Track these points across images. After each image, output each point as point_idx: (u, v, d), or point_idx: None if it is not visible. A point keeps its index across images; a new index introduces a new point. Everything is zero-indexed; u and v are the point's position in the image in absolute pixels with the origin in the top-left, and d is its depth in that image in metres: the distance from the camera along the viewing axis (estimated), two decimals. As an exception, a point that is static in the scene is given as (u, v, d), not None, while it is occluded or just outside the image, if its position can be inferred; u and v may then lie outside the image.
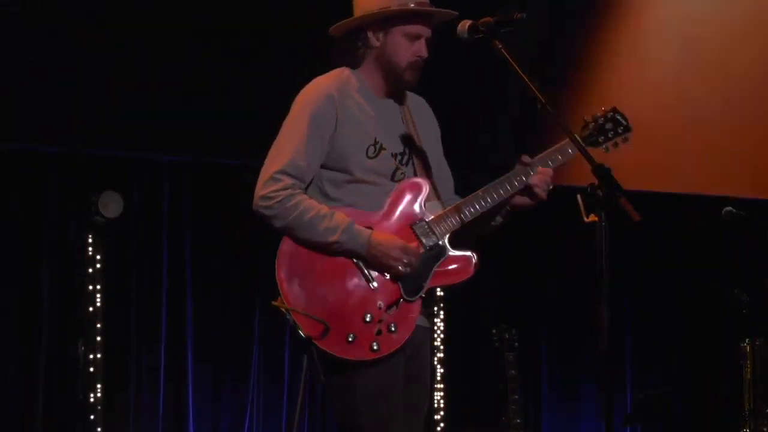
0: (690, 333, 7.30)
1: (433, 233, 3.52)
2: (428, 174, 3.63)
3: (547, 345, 7.24)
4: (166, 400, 6.32)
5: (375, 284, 3.46)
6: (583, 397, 7.16)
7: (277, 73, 6.02)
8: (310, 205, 3.44)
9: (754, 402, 5.47)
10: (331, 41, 3.66)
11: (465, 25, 3.45)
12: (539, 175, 3.56)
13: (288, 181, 3.45)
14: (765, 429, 5.44)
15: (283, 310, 3.42)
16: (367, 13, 3.55)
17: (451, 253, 3.54)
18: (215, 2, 6.11)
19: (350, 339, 3.41)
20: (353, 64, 3.61)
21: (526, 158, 3.58)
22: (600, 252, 3.10)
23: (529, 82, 3.29)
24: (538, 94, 3.28)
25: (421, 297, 3.51)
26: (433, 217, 3.54)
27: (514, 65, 3.32)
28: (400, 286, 3.47)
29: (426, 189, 3.56)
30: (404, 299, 3.47)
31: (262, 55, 6.14)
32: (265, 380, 6.53)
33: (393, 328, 3.45)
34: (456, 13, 3.55)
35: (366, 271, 3.46)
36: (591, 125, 3.67)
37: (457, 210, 3.54)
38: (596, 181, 3.13)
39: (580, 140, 3.43)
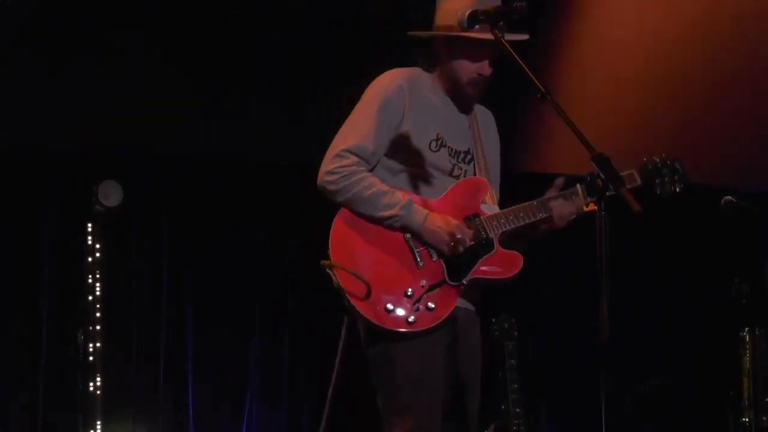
0: (690, 323, 7.30)
1: (485, 228, 3.62)
2: (488, 179, 3.74)
3: (547, 335, 7.24)
4: (166, 390, 6.33)
5: (421, 263, 3.55)
6: (583, 387, 7.16)
7: (277, 73, 6.02)
8: (373, 182, 3.56)
9: (754, 392, 5.48)
10: (410, 42, 3.77)
11: (465, 13, 3.47)
12: (556, 212, 3.66)
13: (354, 158, 3.56)
14: (764, 418, 5.45)
15: (329, 267, 3.48)
16: (436, 28, 3.67)
17: (499, 250, 3.64)
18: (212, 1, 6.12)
19: (389, 307, 3.49)
20: (426, 68, 3.75)
21: (558, 182, 3.69)
22: (599, 242, 3.10)
23: (529, 73, 3.27)
24: (539, 85, 3.25)
25: (463, 283, 3.59)
26: (486, 215, 3.65)
27: (514, 55, 3.31)
28: (445, 268, 3.56)
29: (488, 190, 3.68)
30: (447, 282, 3.56)
31: (262, 56, 6.14)
32: (265, 375, 6.54)
33: (432, 306, 3.53)
34: (526, 36, 3.59)
35: (415, 250, 3.55)
36: (650, 166, 3.80)
37: (507, 214, 3.65)
38: (595, 171, 3.12)
39: (578, 128, 3.39)
